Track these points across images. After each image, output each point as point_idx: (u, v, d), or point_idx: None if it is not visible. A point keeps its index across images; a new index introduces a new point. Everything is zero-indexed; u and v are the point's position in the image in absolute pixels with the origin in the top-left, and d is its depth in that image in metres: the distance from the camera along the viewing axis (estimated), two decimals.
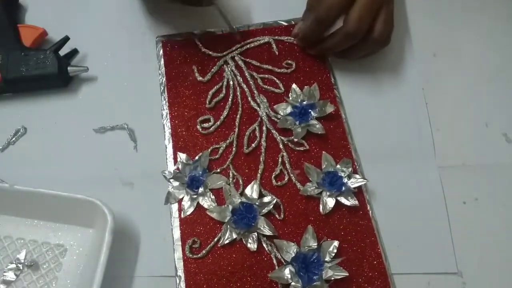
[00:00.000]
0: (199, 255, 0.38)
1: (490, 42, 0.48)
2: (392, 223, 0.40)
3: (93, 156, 0.43)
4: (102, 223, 0.36)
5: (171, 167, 0.42)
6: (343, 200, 0.39)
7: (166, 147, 0.43)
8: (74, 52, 0.47)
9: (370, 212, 0.40)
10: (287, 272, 0.36)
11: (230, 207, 0.39)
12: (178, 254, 0.38)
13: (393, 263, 0.38)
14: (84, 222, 0.39)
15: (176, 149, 0.42)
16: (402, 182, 0.41)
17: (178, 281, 0.37)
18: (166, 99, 0.45)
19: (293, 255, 0.37)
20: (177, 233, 0.39)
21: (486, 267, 0.38)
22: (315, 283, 0.35)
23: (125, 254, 0.39)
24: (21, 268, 0.38)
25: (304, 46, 0.47)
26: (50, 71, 0.44)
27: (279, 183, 0.41)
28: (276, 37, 0.48)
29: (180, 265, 0.38)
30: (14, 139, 0.44)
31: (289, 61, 0.47)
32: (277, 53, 0.47)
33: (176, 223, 0.40)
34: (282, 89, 0.45)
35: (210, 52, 0.47)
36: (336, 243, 0.38)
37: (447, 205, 0.40)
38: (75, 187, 0.38)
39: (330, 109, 0.43)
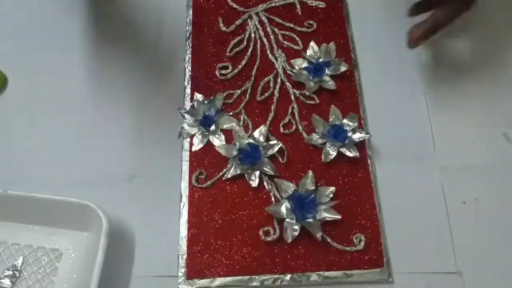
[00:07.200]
0: (204, 185, 0.41)
1: (490, 42, 0.48)
2: (392, 223, 0.40)
3: (86, 157, 0.43)
4: (97, 226, 0.36)
5: (188, 106, 0.44)
6: (345, 151, 0.41)
7: (185, 88, 0.46)
8: None
9: (370, 166, 0.42)
10: (283, 208, 0.39)
11: (237, 145, 0.41)
12: (185, 183, 0.41)
13: (393, 263, 0.38)
14: (79, 226, 0.38)
15: (193, 90, 0.45)
16: (401, 181, 0.42)
17: (182, 206, 0.40)
18: (190, 45, 0.48)
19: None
20: (186, 165, 0.42)
21: (486, 267, 0.38)
22: (308, 220, 0.38)
23: (121, 256, 0.39)
24: (17, 275, 0.38)
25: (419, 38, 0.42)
26: None
27: (286, 131, 0.43)
28: None
29: (185, 192, 0.41)
30: None
31: (311, 22, 0.49)
32: (300, 13, 0.49)
33: (186, 157, 0.42)
34: (301, 46, 0.47)
35: (236, 6, 0.50)
36: (332, 188, 0.39)
37: (447, 205, 0.40)
38: (69, 190, 0.38)
39: (344, 68, 0.45)
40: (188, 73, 0.46)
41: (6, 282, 0.37)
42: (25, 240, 0.39)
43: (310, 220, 0.38)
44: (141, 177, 0.42)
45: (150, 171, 0.42)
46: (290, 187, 0.40)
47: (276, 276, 0.37)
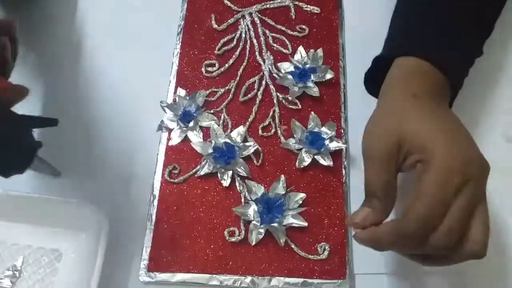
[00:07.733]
0: (176, 180, 0.41)
1: (490, 42, 0.47)
2: None
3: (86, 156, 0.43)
4: (97, 226, 0.37)
5: (170, 100, 0.45)
6: (319, 159, 0.41)
7: (170, 82, 0.46)
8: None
9: (344, 176, 0.41)
10: (250, 210, 0.39)
11: (213, 143, 0.41)
12: (158, 176, 0.41)
13: (393, 263, 0.38)
14: (79, 226, 0.39)
15: (178, 85, 0.45)
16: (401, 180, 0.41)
17: (152, 199, 0.41)
18: (181, 40, 0.48)
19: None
20: (161, 159, 0.42)
21: (486, 267, 0.37)
22: (273, 224, 0.38)
23: (121, 256, 0.39)
24: (17, 275, 0.38)
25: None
26: None
27: (265, 133, 0.43)
28: (296, 2, 0.50)
29: (157, 185, 0.41)
30: None
31: (303, 26, 0.48)
32: (294, 17, 0.49)
33: (162, 150, 0.43)
34: (290, 50, 0.47)
35: (231, 5, 0.50)
36: (302, 195, 0.39)
37: None
38: (69, 190, 0.39)
39: (329, 75, 0.45)
40: (175, 68, 0.47)
41: (6, 282, 0.38)
42: (25, 240, 0.39)
43: (275, 224, 0.38)
44: (141, 177, 0.42)
45: (150, 171, 0.42)
46: (260, 189, 0.40)
47: (237, 277, 0.38)
